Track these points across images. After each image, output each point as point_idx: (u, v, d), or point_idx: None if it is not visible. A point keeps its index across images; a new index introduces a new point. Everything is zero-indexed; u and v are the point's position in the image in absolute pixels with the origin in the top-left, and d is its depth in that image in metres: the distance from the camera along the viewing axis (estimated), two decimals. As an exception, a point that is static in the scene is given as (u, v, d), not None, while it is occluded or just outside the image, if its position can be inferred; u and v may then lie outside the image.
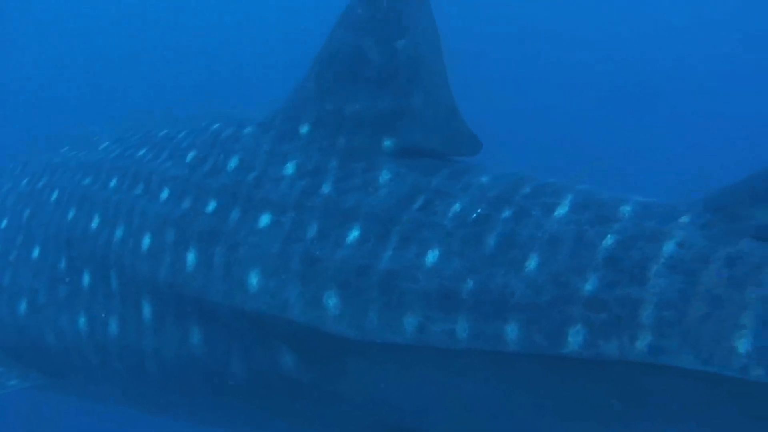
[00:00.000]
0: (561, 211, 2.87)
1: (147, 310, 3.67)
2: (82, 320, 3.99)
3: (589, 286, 2.64)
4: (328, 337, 3.05)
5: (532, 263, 2.76)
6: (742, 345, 2.38)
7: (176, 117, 4.84)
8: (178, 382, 3.69)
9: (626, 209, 2.82)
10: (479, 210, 2.98)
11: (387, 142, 3.33)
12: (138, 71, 13.21)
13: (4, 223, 4.79)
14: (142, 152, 4.19)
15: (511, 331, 2.72)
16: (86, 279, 4.02)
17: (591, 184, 3.07)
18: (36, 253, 4.39)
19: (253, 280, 3.25)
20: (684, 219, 2.72)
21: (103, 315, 3.89)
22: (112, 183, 4.15)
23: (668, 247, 2.63)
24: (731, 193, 2.73)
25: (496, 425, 3.08)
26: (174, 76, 12.97)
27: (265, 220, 3.34)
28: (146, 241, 3.71)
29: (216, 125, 3.98)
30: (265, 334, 3.26)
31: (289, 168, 3.44)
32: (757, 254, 2.54)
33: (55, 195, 4.51)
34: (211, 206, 3.54)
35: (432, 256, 2.93)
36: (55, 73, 13.13)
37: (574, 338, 2.62)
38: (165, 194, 3.78)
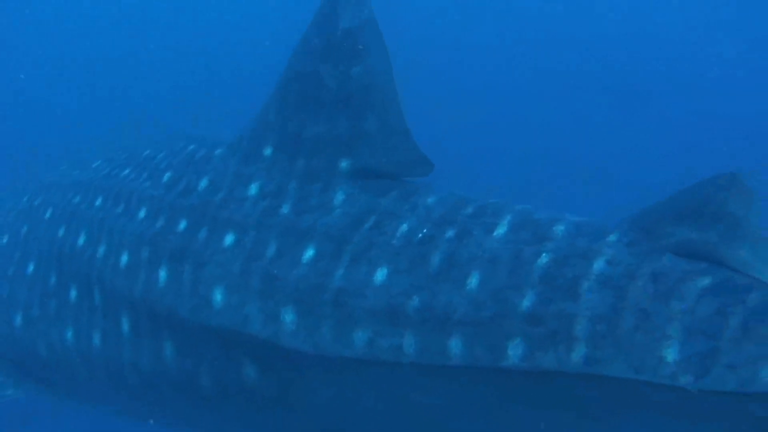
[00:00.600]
0: (500, 231, 3.05)
1: (125, 325, 3.87)
2: (69, 333, 4.20)
3: (526, 302, 2.82)
4: (286, 351, 3.24)
5: (473, 281, 2.94)
6: (670, 354, 2.56)
7: (161, 130, 5.05)
8: (154, 392, 3.88)
9: (560, 228, 3.00)
10: (425, 230, 3.16)
11: (343, 164, 3.50)
12: (137, 72, 13.30)
13: (5, 239, 5.02)
14: (126, 172, 4.39)
15: (455, 345, 2.90)
16: (73, 294, 4.23)
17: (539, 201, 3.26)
18: (31, 268, 4.61)
19: (218, 296, 3.44)
20: (612, 237, 2.90)
21: (87, 329, 4.11)
22: (98, 202, 4.36)
23: (598, 264, 2.82)
24: (655, 212, 2.91)
25: (420, 427, 3.27)
26: (173, 76, 13.08)
27: (229, 239, 3.53)
28: (124, 258, 3.91)
29: (192, 146, 4.17)
30: (230, 348, 3.45)
31: (253, 189, 3.62)
32: (678, 269, 2.73)
33: (49, 212, 4.73)
34: (182, 225, 3.73)
35: (380, 275, 3.11)
36: (54, 74, 13.20)
37: (514, 351, 2.80)
38: (142, 213, 3.98)
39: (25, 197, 5.10)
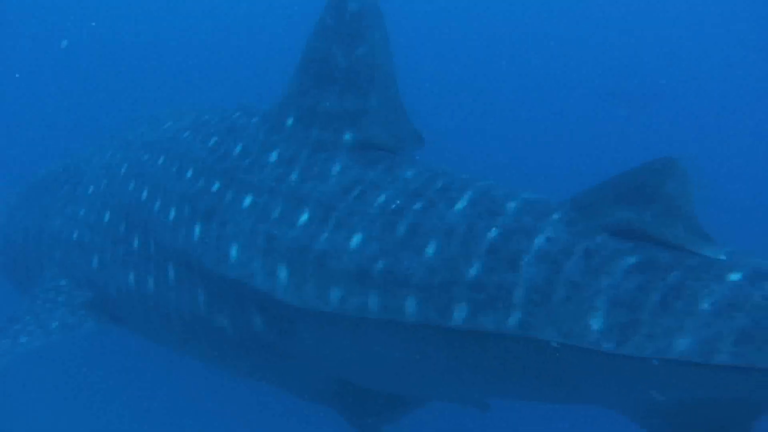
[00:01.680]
0: (460, 205, 3.35)
1: (171, 273, 4.38)
2: (131, 277, 4.77)
3: (473, 271, 3.13)
4: (281, 304, 3.64)
5: (430, 249, 3.27)
6: (596, 323, 2.84)
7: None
8: (191, 332, 4.39)
9: (511, 205, 3.28)
10: (398, 201, 3.48)
11: (347, 136, 3.84)
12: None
13: (91, 189, 5.65)
14: (185, 134, 4.87)
15: (410, 305, 3.24)
16: (136, 243, 4.78)
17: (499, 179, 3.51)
18: (107, 217, 5.20)
19: (233, 252, 3.88)
20: (555, 216, 3.16)
21: (144, 274, 4.65)
22: (160, 161, 4.86)
23: (539, 240, 3.10)
24: (595, 193, 3.13)
25: (400, 381, 3.67)
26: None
27: (247, 201, 3.96)
28: (172, 213, 4.41)
29: (237, 114, 4.61)
30: (242, 299, 3.89)
31: (273, 156, 4.03)
32: (610, 248, 2.98)
33: (124, 168, 5.29)
34: (215, 186, 4.19)
35: (356, 240, 3.46)
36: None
37: (459, 314, 3.12)
38: (189, 174, 4.46)
39: (109, 152, 5.70)
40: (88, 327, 5.23)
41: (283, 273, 3.64)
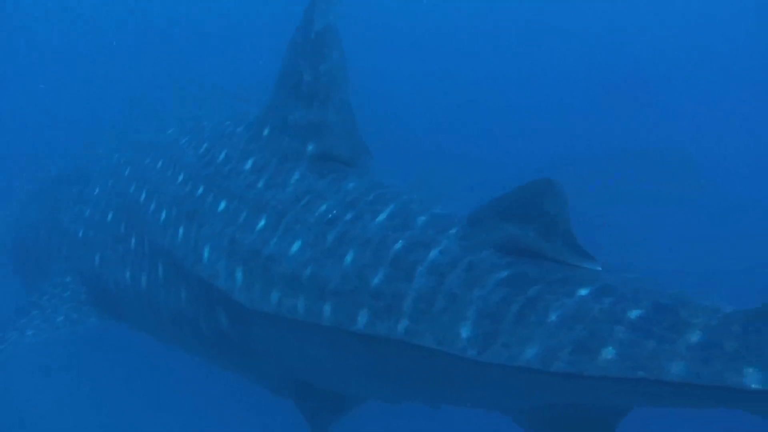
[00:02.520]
0: (381, 217, 3.58)
1: (161, 271, 4.67)
2: (127, 274, 5.08)
3: (376, 280, 3.36)
4: (238, 303, 3.88)
5: (348, 258, 3.49)
6: (465, 331, 3.03)
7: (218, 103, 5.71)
8: (177, 327, 4.67)
9: (421, 219, 3.50)
10: (334, 211, 3.70)
11: (309, 147, 4.07)
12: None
13: (97, 190, 5.99)
14: (183, 140, 5.16)
15: (327, 310, 3.47)
16: (133, 242, 5.09)
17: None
18: (110, 217, 5.54)
19: (206, 253, 4.13)
20: (452, 230, 3.38)
21: (138, 272, 4.94)
22: (158, 164, 5.16)
23: (433, 253, 3.32)
24: (486, 209, 3.34)
25: (334, 379, 3.94)
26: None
27: (222, 205, 4.21)
28: (163, 214, 4.70)
29: (228, 122, 4.88)
30: (212, 298, 4.13)
31: (249, 164, 4.27)
32: (489, 261, 3.20)
33: (127, 170, 5.62)
34: (200, 191, 4.45)
35: (296, 246, 3.70)
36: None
37: (361, 319, 3.35)
38: (180, 178, 4.74)
39: (116, 155, 6.02)
40: (91, 322, 5.56)
41: (239, 274, 3.88)
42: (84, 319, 5.54)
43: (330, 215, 3.71)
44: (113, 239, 5.37)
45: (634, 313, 2.78)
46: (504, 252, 3.21)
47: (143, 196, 5.13)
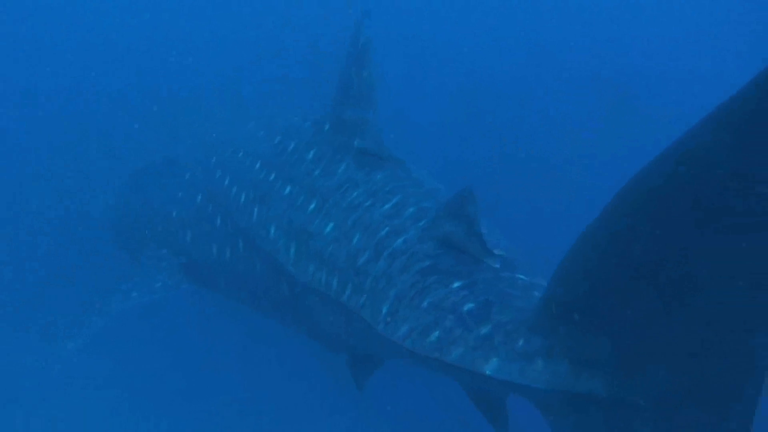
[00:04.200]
0: (386, 206, 4.25)
1: (240, 246, 5.41)
2: (214, 248, 5.84)
3: (361, 260, 4.05)
4: (290, 274, 4.58)
5: (354, 240, 4.18)
6: (384, 308, 3.71)
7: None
8: (255, 294, 5.38)
9: (409, 210, 4.15)
10: (361, 198, 4.36)
11: (356, 142, 4.79)
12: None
13: (187, 176, 6.63)
14: (261, 133, 5.84)
15: (333, 281, 4.16)
16: (218, 220, 5.84)
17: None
18: (198, 199, 6.27)
19: (272, 231, 4.87)
20: (421, 222, 4.00)
21: (223, 246, 5.68)
22: (240, 154, 5.86)
23: (399, 240, 3.99)
24: (443, 207, 3.94)
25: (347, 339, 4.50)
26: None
27: (286, 190, 4.95)
28: (242, 197, 5.44)
29: (297, 118, 5.62)
30: (276, 269, 4.82)
31: (310, 154, 5.02)
32: (424, 252, 3.83)
33: (213, 160, 6.25)
34: (272, 176, 5.19)
35: (329, 227, 4.40)
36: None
37: (347, 292, 4.04)
38: (257, 165, 5.48)
39: (201, 150, 6.77)
40: (184, 288, 6.32)
41: (292, 250, 4.60)
42: (178, 285, 6.29)
43: (356, 201, 4.38)
44: (201, 219, 6.09)
45: (467, 306, 3.36)
46: (442, 245, 3.83)
47: (227, 181, 5.82)
